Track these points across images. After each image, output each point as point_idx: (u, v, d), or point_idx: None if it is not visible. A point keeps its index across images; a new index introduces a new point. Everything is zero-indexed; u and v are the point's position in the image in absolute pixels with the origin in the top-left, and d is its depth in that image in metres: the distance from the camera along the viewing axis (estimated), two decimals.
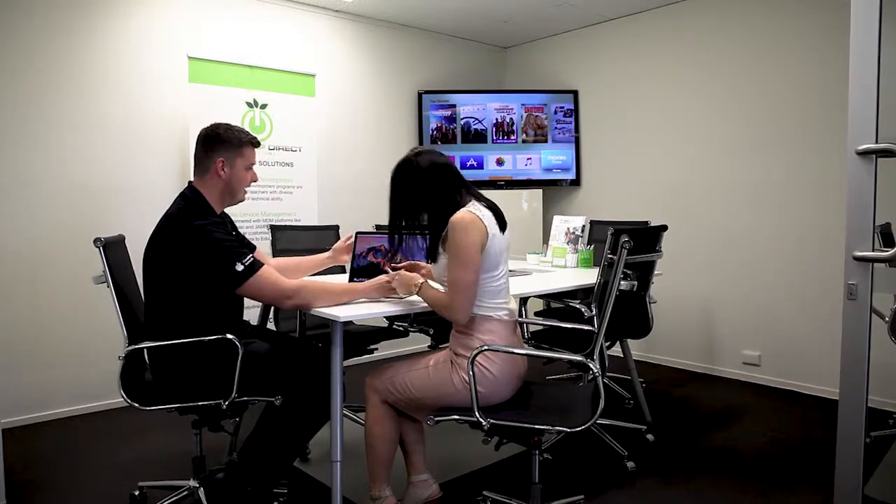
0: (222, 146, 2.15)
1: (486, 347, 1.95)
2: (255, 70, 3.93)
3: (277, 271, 2.15)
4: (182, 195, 2.17)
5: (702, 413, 3.55)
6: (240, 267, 2.00)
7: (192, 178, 2.22)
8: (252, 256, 2.05)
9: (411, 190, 2.04)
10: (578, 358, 1.95)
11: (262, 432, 2.17)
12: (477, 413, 1.91)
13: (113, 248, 2.18)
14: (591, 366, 1.90)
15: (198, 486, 2.30)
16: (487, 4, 4.50)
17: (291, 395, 2.11)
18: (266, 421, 2.18)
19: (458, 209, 2.00)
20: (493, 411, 1.96)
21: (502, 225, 2.07)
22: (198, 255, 2.01)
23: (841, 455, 1.50)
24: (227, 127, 2.19)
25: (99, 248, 2.08)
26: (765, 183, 4.03)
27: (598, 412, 1.89)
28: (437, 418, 1.98)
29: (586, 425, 1.89)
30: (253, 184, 2.26)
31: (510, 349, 2.01)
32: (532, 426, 1.93)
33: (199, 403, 2.09)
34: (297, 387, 2.11)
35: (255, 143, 2.24)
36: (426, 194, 2.03)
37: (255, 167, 2.24)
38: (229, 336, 2.01)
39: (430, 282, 2.12)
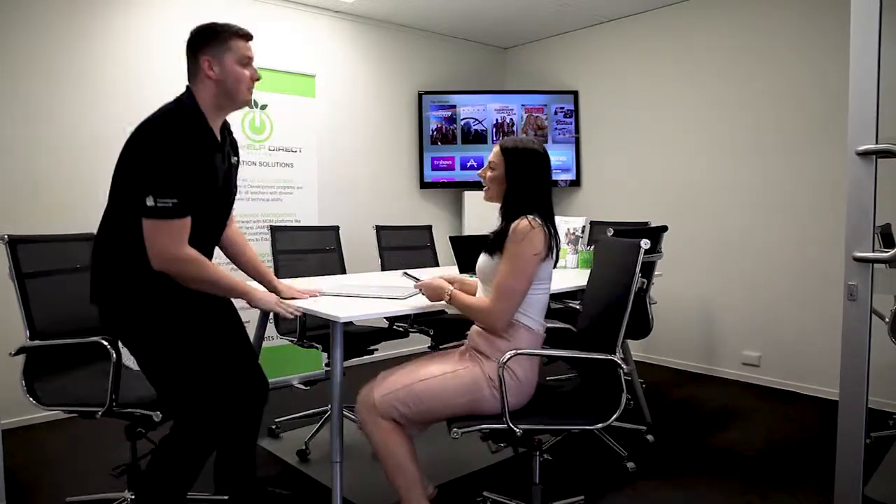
0: (205, 44, 1.89)
1: (518, 351, 1.87)
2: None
3: (230, 239, 2.06)
4: (177, 99, 1.89)
5: (702, 414, 3.55)
6: (150, 202, 1.70)
7: None
8: (174, 203, 1.72)
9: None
10: (609, 357, 1.86)
11: (153, 461, 1.92)
12: (508, 421, 1.82)
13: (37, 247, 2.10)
14: (621, 365, 1.85)
15: (133, 497, 2.17)
16: (487, 5, 4.50)
17: (180, 414, 1.85)
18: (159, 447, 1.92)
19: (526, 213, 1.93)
20: (517, 417, 1.89)
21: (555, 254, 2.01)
22: (136, 167, 1.77)
23: (841, 455, 1.50)
24: (211, 23, 1.93)
25: (4, 244, 1.99)
26: (765, 183, 4.03)
27: (622, 406, 1.85)
28: (462, 430, 1.86)
29: (612, 419, 1.85)
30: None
31: (543, 352, 2.00)
32: (563, 427, 1.88)
33: (82, 408, 1.97)
34: (187, 404, 1.86)
35: (246, 36, 1.96)
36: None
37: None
38: (103, 342, 1.83)
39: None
